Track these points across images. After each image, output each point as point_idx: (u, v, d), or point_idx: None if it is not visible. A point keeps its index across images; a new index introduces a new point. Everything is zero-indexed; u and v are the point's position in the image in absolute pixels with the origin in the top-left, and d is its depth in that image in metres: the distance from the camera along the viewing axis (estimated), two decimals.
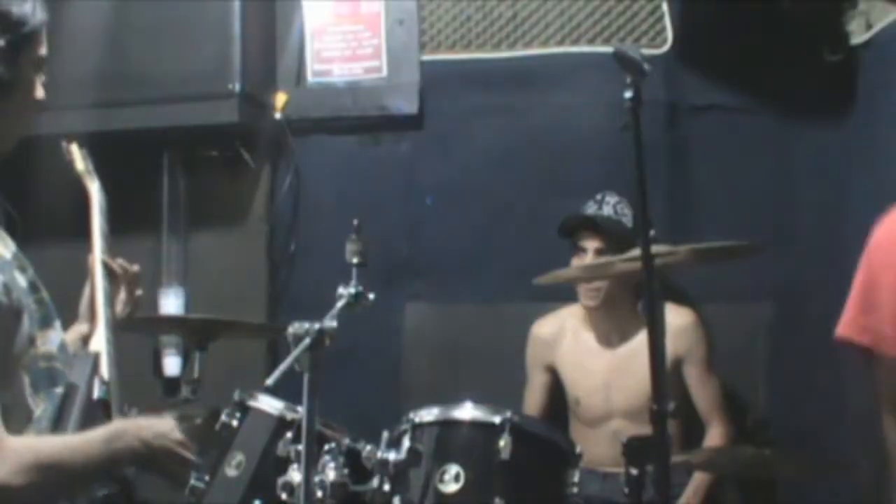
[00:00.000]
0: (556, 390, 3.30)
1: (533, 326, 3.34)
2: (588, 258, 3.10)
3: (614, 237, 3.07)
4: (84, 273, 2.10)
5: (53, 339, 1.77)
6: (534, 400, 3.29)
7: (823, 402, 3.30)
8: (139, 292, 2.14)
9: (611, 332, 3.19)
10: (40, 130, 2.13)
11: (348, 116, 3.73)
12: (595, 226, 3.11)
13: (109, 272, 2.08)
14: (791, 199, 3.50)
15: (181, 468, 1.85)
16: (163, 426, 1.79)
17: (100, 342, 1.94)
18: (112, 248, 2.15)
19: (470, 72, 3.68)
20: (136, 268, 2.14)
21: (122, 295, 2.10)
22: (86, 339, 2.02)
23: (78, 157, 2.26)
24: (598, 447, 2.94)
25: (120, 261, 2.11)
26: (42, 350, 1.74)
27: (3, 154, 1.80)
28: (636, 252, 2.29)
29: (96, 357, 1.87)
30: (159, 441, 1.77)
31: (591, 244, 3.12)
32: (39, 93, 1.80)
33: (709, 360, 3.12)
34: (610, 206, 3.16)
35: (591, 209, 3.17)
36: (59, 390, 1.74)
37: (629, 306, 3.14)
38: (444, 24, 3.71)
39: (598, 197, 3.18)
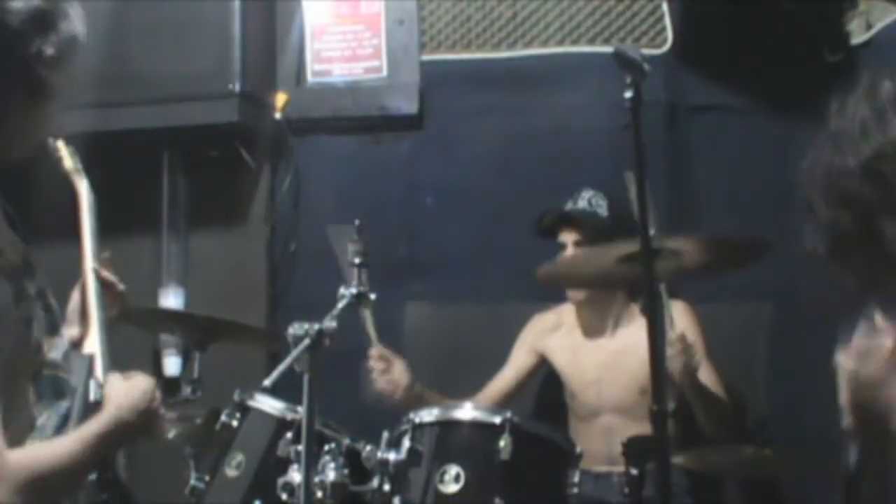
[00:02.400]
0: (530, 380, 3.31)
1: (535, 315, 3.36)
2: (568, 251, 3.13)
3: (589, 227, 3.09)
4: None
5: (59, 346, 1.77)
6: (505, 376, 3.29)
7: (823, 402, 3.30)
8: (120, 287, 2.15)
9: (604, 327, 3.20)
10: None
11: (348, 116, 3.73)
12: (570, 220, 3.14)
13: (99, 278, 2.08)
14: (791, 199, 3.48)
15: (161, 428, 1.86)
16: (144, 399, 1.78)
17: (94, 344, 1.94)
18: (111, 247, 2.15)
19: (470, 72, 3.68)
20: (105, 254, 2.14)
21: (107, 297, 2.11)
22: (76, 344, 2.02)
23: (66, 155, 2.25)
24: (591, 443, 2.93)
25: (105, 272, 2.12)
26: (48, 358, 1.73)
27: (18, 156, 1.79)
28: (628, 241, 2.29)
29: (91, 359, 1.87)
30: (145, 416, 1.77)
31: (569, 237, 3.15)
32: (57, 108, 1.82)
33: (703, 347, 3.09)
34: (584, 199, 3.17)
35: (567, 206, 3.19)
36: (65, 403, 1.74)
37: (621, 301, 3.17)
38: (444, 24, 3.71)
39: (575, 193, 3.20)
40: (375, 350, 2.97)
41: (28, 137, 1.77)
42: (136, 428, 1.75)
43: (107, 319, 2.05)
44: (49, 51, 1.67)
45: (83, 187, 2.21)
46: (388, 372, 2.98)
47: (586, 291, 3.17)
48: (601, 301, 3.18)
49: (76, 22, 1.74)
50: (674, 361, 2.77)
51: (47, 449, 1.66)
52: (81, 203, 2.18)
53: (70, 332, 2.04)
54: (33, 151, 1.80)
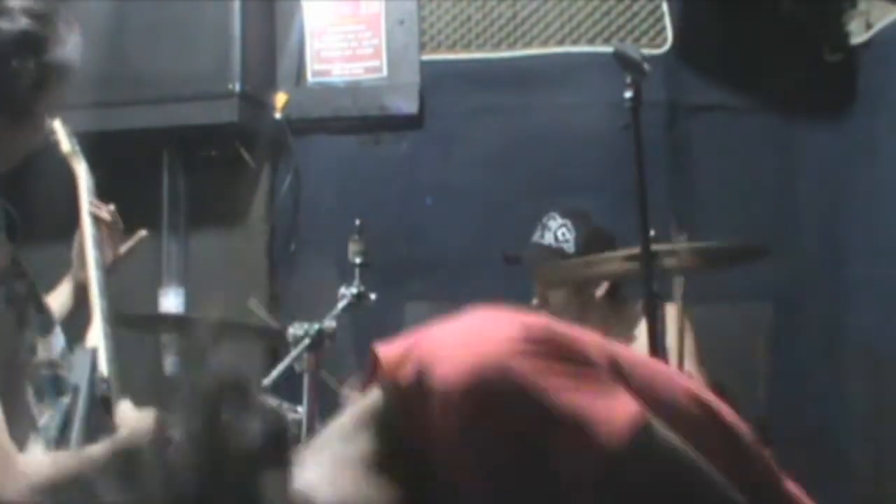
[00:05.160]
0: None
1: None
2: (537, 297, 3.06)
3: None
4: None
5: (55, 345, 1.77)
6: None
7: (823, 402, 3.30)
8: (119, 226, 2.14)
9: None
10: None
11: (348, 116, 3.73)
12: (533, 259, 3.00)
13: (97, 220, 2.07)
14: (791, 199, 3.50)
15: None
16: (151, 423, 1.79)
17: (97, 337, 1.93)
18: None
19: (470, 72, 3.68)
20: (110, 206, 2.13)
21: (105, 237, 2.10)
22: (80, 287, 2.02)
23: (63, 138, 2.22)
24: None
25: (110, 208, 2.11)
26: (44, 357, 1.73)
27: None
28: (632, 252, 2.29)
29: (94, 353, 1.87)
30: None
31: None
32: (46, 126, 1.81)
33: (698, 353, 3.06)
34: (551, 232, 3.03)
35: (535, 235, 3.06)
36: (66, 400, 1.73)
37: (603, 313, 3.09)
38: (444, 24, 3.71)
39: (544, 220, 3.06)
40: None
41: (8, 156, 1.76)
42: None
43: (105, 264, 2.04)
44: (32, 74, 1.66)
45: (81, 170, 2.18)
46: None
47: (557, 310, 3.04)
48: (575, 314, 3.09)
49: (70, 48, 1.72)
50: None
51: (61, 460, 1.67)
52: (80, 186, 2.16)
53: (75, 276, 2.05)
54: (6, 168, 1.79)
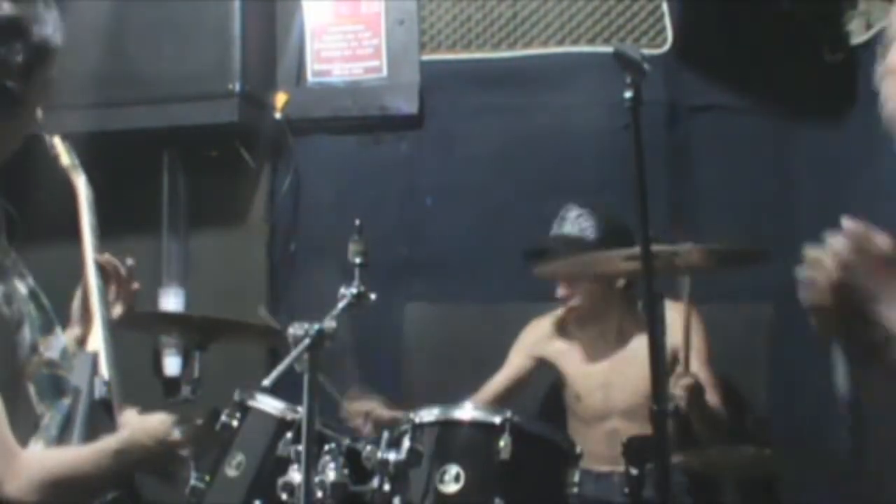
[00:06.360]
0: (528, 384, 3.27)
1: (532, 320, 3.34)
2: (560, 287, 3.09)
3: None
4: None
5: (55, 345, 1.76)
6: (500, 380, 3.24)
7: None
8: (135, 286, 2.12)
9: (607, 332, 3.17)
10: (40, 130, 2.12)
11: (348, 116, 3.73)
12: (555, 250, 3.00)
13: (101, 270, 2.07)
14: (791, 199, 3.50)
15: (178, 466, 1.87)
16: (161, 429, 1.79)
17: (97, 341, 1.94)
18: (111, 247, 2.14)
19: (470, 72, 3.68)
20: (129, 261, 2.11)
21: (113, 293, 2.09)
22: (80, 342, 2.02)
23: (63, 152, 2.24)
24: (595, 445, 2.93)
25: (107, 256, 2.10)
26: (45, 357, 1.73)
27: None
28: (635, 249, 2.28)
29: (95, 356, 1.87)
30: (161, 446, 1.77)
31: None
32: (38, 113, 1.80)
33: (707, 352, 3.08)
34: (569, 221, 3.06)
35: (554, 228, 3.09)
36: (67, 400, 1.74)
37: (623, 306, 3.13)
38: (444, 24, 3.72)
39: (562, 212, 3.10)
40: (350, 405, 2.95)
41: (2, 146, 1.75)
42: (153, 454, 1.75)
43: (111, 316, 2.03)
44: (17, 60, 1.65)
45: (81, 183, 2.20)
46: (368, 418, 2.96)
47: (583, 301, 3.12)
48: (602, 308, 3.14)
49: (50, 27, 1.71)
50: (681, 401, 2.76)
51: (63, 454, 1.67)
52: (80, 199, 2.17)
53: (73, 331, 2.04)
54: (9, 156, 1.78)
